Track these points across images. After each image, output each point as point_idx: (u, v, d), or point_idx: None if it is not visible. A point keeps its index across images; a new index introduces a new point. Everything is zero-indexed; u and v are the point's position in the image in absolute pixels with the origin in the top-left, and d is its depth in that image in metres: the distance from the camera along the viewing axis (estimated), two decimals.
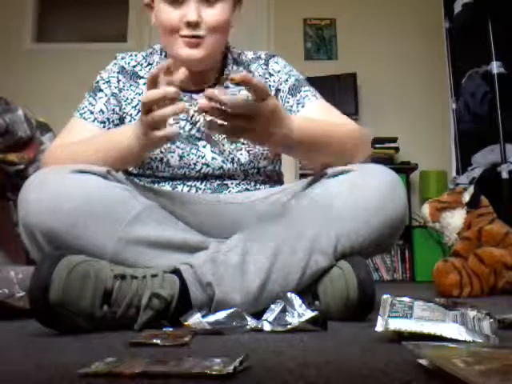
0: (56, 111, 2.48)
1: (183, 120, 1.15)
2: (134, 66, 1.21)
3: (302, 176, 3.01)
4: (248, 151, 1.15)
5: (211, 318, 0.77)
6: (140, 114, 0.90)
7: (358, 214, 0.94)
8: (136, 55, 1.23)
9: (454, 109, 3.23)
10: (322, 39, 3.86)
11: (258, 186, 1.18)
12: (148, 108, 0.87)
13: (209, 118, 0.82)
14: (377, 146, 3.24)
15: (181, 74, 1.15)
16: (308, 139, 0.97)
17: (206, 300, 0.86)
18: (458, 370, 0.43)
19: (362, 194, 0.96)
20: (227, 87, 1.10)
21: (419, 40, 3.72)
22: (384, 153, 3.30)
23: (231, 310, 0.79)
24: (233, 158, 1.14)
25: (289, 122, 0.92)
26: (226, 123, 0.82)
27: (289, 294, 0.82)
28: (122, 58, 1.22)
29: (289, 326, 0.77)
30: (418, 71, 3.72)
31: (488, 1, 2.63)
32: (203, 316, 0.78)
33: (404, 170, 3.29)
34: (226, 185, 1.15)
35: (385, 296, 0.70)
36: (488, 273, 1.64)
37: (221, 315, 0.78)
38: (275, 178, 1.25)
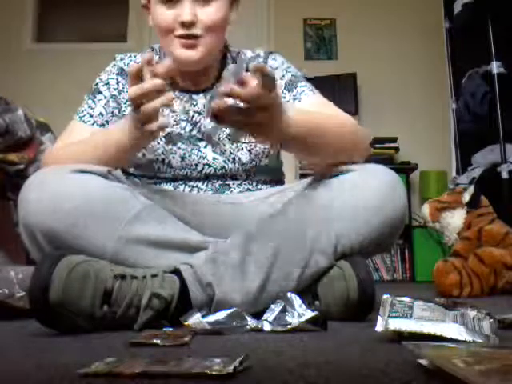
0: (56, 111, 2.49)
1: (184, 121, 1.15)
2: None
3: (302, 176, 3.01)
4: (249, 150, 1.15)
5: (211, 318, 0.77)
6: (129, 109, 0.89)
7: (357, 213, 0.94)
8: (135, 56, 1.22)
9: (453, 109, 3.23)
10: (321, 39, 3.86)
11: (259, 186, 1.18)
12: (137, 103, 0.86)
13: (230, 101, 0.79)
14: (377, 145, 3.23)
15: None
16: (304, 130, 0.94)
17: (206, 300, 0.86)
18: (457, 369, 0.43)
19: (362, 193, 0.96)
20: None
21: (419, 40, 3.71)
22: (384, 153, 3.29)
23: (231, 310, 0.79)
24: (234, 158, 1.14)
25: (287, 117, 0.90)
26: (244, 106, 0.79)
27: (289, 294, 0.82)
28: (121, 59, 1.21)
29: (289, 326, 0.77)
30: (418, 71, 3.71)
31: (488, 1, 2.63)
32: (203, 316, 0.78)
33: (404, 170, 3.29)
34: (228, 185, 1.15)
35: (385, 296, 0.70)
36: (488, 273, 1.64)
37: (221, 315, 0.78)
38: (277, 178, 1.25)
